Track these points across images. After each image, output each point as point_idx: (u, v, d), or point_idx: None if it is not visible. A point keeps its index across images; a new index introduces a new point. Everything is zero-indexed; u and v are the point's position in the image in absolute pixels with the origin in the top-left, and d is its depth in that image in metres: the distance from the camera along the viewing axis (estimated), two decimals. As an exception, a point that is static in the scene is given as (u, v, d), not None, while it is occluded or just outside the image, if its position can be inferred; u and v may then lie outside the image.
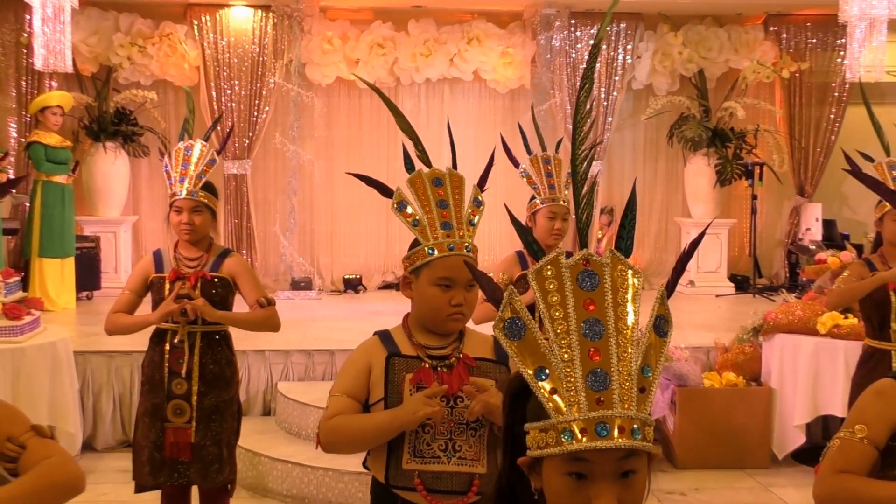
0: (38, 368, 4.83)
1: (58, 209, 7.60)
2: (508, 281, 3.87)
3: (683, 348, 5.72)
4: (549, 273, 1.26)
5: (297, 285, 8.71)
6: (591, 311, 1.24)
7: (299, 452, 4.99)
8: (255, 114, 8.80)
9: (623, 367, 1.22)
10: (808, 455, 5.58)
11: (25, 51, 8.21)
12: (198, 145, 3.67)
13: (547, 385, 1.22)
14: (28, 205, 7.82)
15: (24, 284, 6.77)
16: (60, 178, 7.66)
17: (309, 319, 7.33)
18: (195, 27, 8.73)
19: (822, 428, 5.87)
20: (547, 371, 1.22)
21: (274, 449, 5.12)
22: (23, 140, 8.19)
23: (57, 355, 4.95)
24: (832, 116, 9.42)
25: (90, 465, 5.40)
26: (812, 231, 9.13)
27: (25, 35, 8.17)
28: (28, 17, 7.65)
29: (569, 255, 1.30)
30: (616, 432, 1.19)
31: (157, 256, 3.63)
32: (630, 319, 1.25)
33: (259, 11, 8.76)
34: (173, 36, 8.71)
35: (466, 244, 2.27)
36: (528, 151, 4.18)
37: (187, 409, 3.55)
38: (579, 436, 1.19)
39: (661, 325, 1.28)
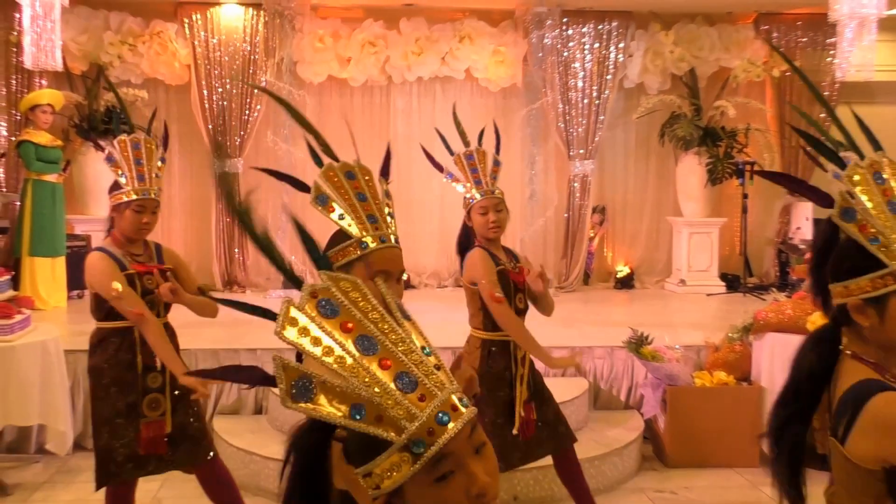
0: (28, 367, 4.82)
1: (48, 208, 7.58)
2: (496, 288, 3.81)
3: (678, 348, 5.74)
4: (295, 318, 1.23)
5: (289, 284, 8.68)
6: (352, 329, 1.22)
7: (291, 451, 4.98)
8: (247, 112, 8.79)
9: (413, 358, 1.22)
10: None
11: (15, 49, 8.18)
12: (150, 146, 3.71)
13: (369, 417, 1.18)
14: (18, 203, 7.79)
15: (15, 283, 6.76)
16: (51, 177, 7.64)
17: (300, 318, 7.30)
18: (186, 25, 8.71)
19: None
20: (360, 405, 1.18)
21: (266, 448, 5.11)
22: (13, 139, 8.16)
23: (47, 354, 4.94)
24: (822, 115, 9.43)
25: (80, 463, 5.38)
26: (802, 230, 9.17)
27: (15, 33, 8.14)
28: (17, 15, 7.62)
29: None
30: (454, 412, 1.19)
31: (111, 255, 3.62)
32: (383, 318, 1.24)
33: (250, 9, 8.75)
34: (164, 34, 8.69)
35: (393, 235, 2.24)
36: (451, 152, 4.04)
37: (162, 402, 3.61)
38: (431, 438, 1.17)
39: (403, 310, 1.29)
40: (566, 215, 9.21)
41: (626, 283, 9.42)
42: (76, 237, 8.12)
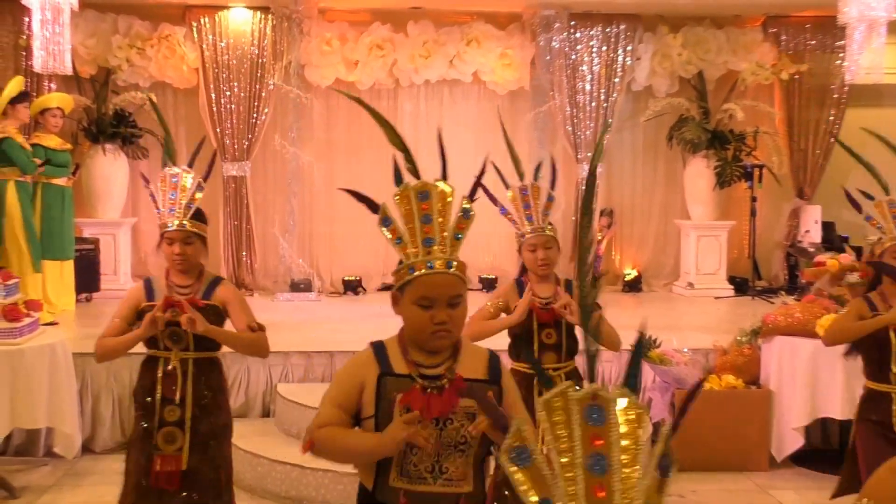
0: (36, 370, 4.83)
1: (57, 211, 7.59)
2: (504, 307, 3.84)
3: (686, 351, 5.72)
4: (557, 404, 1.24)
5: (296, 287, 8.71)
6: (598, 445, 1.21)
7: (298, 454, 4.97)
8: (255, 116, 8.80)
9: None
10: (806, 457, 5.58)
11: (24, 53, 8.21)
12: (188, 177, 3.65)
13: None
14: (27, 207, 7.81)
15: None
16: (60, 181, 7.66)
17: (308, 321, 7.32)
18: (194, 29, 8.73)
19: (821, 430, 5.87)
20: (549, 502, 1.20)
21: (273, 450, 5.12)
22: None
23: (55, 357, 4.95)
24: (831, 118, 9.41)
25: (89, 466, 5.40)
26: (811, 233, 9.13)
27: (24, 37, 8.17)
28: (27, 19, 7.65)
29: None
30: None
31: (148, 285, 3.60)
32: (636, 456, 1.23)
33: (258, 13, 8.76)
34: (172, 38, 8.71)
35: (448, 260, 2.20)
36: (506, 186, 3.99)
37: (179, 437, 3.48)
38: None
39: (665, 463, 1.26)
40: (574, 218, 9.20)
41: (633, 286, 9.40)
42: (85, 240, 8.15)
